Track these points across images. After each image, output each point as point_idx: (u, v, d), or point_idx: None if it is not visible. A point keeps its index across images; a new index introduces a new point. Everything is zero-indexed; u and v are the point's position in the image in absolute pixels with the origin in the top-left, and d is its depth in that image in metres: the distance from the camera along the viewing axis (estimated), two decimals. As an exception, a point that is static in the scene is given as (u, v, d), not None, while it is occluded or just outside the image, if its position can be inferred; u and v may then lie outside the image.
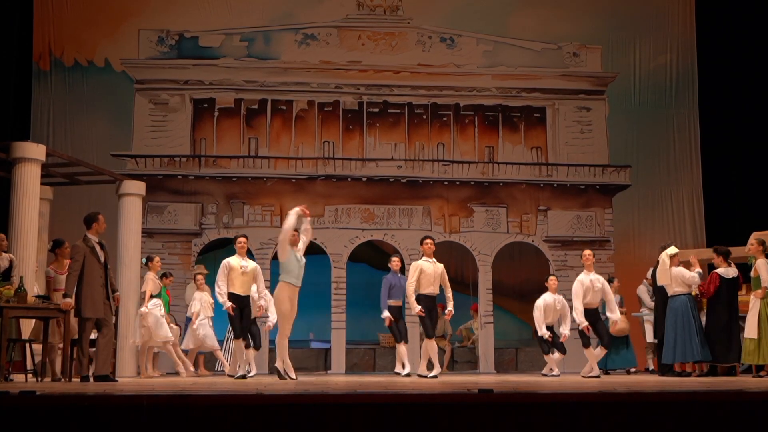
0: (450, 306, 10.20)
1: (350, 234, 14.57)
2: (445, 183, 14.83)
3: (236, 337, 9.74)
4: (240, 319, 9.66)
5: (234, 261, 9.70)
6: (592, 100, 15.27)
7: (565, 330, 10.89)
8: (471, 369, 14.09)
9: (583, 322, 10.21)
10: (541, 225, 14.82)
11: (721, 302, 9.99)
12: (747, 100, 14.03)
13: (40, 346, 8.90)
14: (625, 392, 5.17)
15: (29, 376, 8.97)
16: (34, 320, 9.20)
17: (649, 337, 12.04)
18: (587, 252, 10.66)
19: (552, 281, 11.30)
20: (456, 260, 14.56)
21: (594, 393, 5.06)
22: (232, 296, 9.61)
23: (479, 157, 14.98)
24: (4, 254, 9.02)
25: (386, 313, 10.36)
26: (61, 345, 9.13)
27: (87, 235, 8.45)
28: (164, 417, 4.40)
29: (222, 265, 9.73)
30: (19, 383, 7.99)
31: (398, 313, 10.55)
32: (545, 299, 11.06)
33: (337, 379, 9.94)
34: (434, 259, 10.12)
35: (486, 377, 10.27)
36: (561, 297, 11.22)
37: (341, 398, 4.83)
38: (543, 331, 10.89)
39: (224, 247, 14.75)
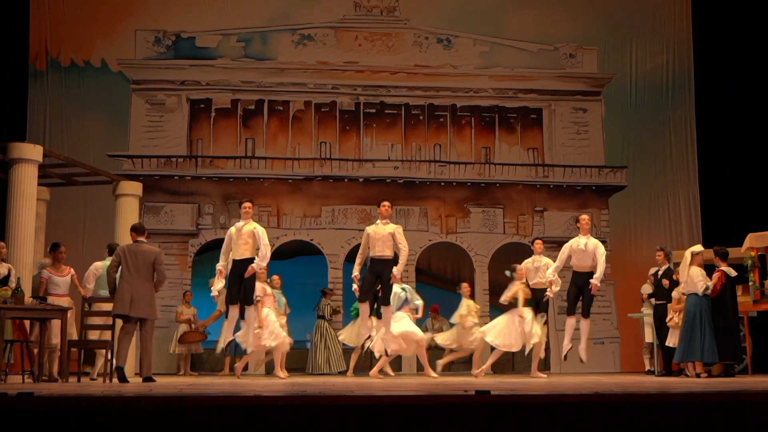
0: (397, 269, 9.55)
1: (347, 234, 14.58)
2: (442, 184, 14.85)
3: (229, 302, 9.44)
4: (238, 285, 9.30)
5: (235, 225, 9.47)
6: (588, 101, 15.30)
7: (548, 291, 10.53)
8: (467, 370, 14.10)
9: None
10: (538, 226, 14.84)
11: (727, 301, 10.02)
12: (743, 101, 14.05)
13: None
14: (621, 393, 5.19)
15: (26, 377, 8.97)
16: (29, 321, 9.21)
17: (648, 338, 12.04)
18: (584, 216, 10.35)
19: (537, 244, 11.25)
20: (452, 261, 14.59)
21: (591, 394, 5.07)
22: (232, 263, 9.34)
23: (476, 158, 15.00)
24: (3, 263, 9.02)
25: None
26: (59, 346, 9.13)
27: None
28: (162, 418, 4.41)
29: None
30: (16, 384, 7.99)
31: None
32: (526, 262, 11.11)
33: (334, 379, 9.94)
34: (387, 221, 9.59)
35: (482, 378, 10.27)
36: (545, 258, 11.09)
37: (338, 399, 4.84)
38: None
39: (221, 247, 14.75)
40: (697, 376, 9.92)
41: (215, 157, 14.70)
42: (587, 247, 9.89)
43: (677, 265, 10.66)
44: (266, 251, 9.36)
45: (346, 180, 14.76)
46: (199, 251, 14.44)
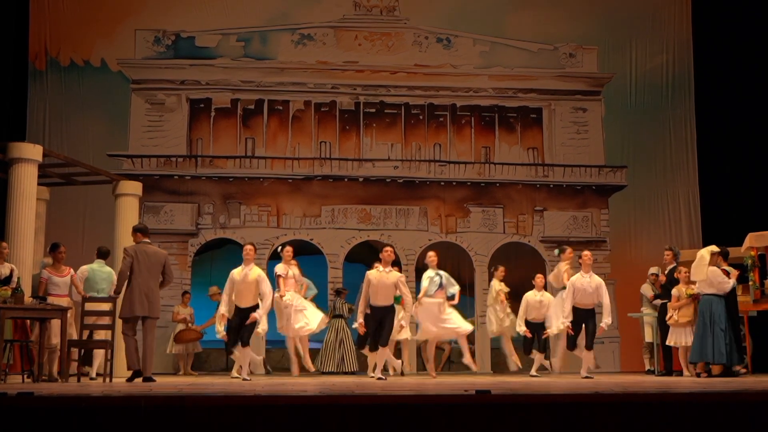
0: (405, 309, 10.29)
1: (347, 234, 14.58)
2: (442, 183, 14.85)
3: (232, 346, 9.73)
4: (237, 329, 9.47)
5: (237, 271, 9.55)
6: (588, 101, 15.30)
7: (550, 328, 10.99)
8: (468, 369, 14.08)
9: (566, 323, 10.22)
10: (538, 225, 14.84)
11: (733, 302, 10.03)
12: (743, 101, 14.04)
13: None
14: (621, 393, 5.19)
15: (25, 376, 8.96)
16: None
17: (648, 337, 12.03)
18: (586, 253, 10.56)
19: (538, 279, 11.37)
20: (452, 261, 14.56)
21: (590, 394, 5.07)
22: (235, 309, 9.52)
23: (476, 158, 14.99)
24: (6, 264, 9.02)
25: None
26: (58, 346, 9.12)
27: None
28: (162, 418, 4.41)
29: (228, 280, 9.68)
30: (16, 384, 7.99)
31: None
32: (528, 296, 11.27)
33: (334, 379, 9.94)
34: (390, 269, 9.91)
35: (483, 378, 10.27)
36: (547, 294, 11.28)
37: (338, 399, 4.84)
38: (521, 327, 11.10)
39: (221, 247, 14.78)
40: (697, 375, 9.93)
41: (215, 156, 14.69)
42: (591, 287, 10.22)
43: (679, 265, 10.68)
44: (268, 302, 9.69)
45: (345, 180, 14.76)
46: (199, 251, 14.43)
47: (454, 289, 10.88)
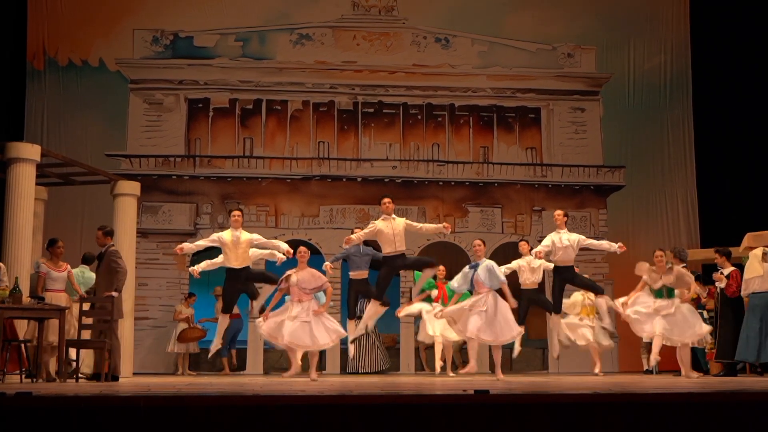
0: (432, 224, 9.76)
1: (345, 234, 14.47)
2: (440, 183, 14.85)
3: (224, 311, 9.37)
4: (236, 294, 9.25)
5: (226, 234, 9.20)
6: (586, 101, 15.30)
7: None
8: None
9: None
10: (536, 225, 14.85)
11: (741, 301, 10.02)
12: (741, 101, 14.06)
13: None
14: (620, 393, 5.19)
15: (23, 376, 8.95)
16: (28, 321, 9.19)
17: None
18: (558, 211, 10.20)
19: (522, 245, 11.06)
20: (450, 261, 14.55)
21: (590, 394, 5.07)
22: (228, 270, 9.20)
23: (474, 158, 14.99)
24: None
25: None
26: (56, 345, 9.11)
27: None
28: (161, 418, 4.40)
29: (214, 234, 9.40)
30: (14, 384, 7.98)
31: (359, 287, 9.86)
32: (519, 262, 10.88)
33: (333, 379, 9.94)
34: (393, 216, 9.34)
35: (481, 378, 10.26)
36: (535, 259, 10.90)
37: (337, 399, 4.84)
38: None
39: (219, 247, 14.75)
40: (756, 371, 9.91)
41: (213, 156, 14.68)
42: (569, 244, 9.78)
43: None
44: (275, 242, 9.45)
45: (344, 179, 14.76)
46: (197, 251, 14.38)
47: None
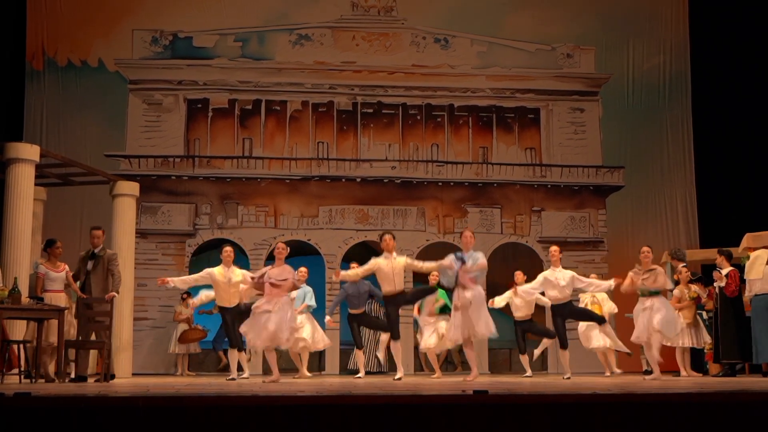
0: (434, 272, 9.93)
1: (344, 234, 14.58)
2: (440, 184, 14.85)
3: (231, 346, 9.49)
4: (233, 326, 9.30)
5: (218, 273, 9.31)
6: (585, 101, 15.31)
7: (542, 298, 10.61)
8: (466, 370, 14.08)
9: (528, 291, 10.08)
10: (535, 226, 14.85)
11: (740, 301, 10.00)
12: (740, 101, 14.06)
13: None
14: (619, 393, 5.18)
15: (21, 377, 8.93)
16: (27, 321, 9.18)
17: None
18: (553, 248, 10.20)
19: (518, 275, 11.10)
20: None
21: (589, 394, 5.06)
22: (220, 309, 9.42)
23: (473, 158, 14.99)
24: None
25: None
26: (55, 345, 9.09)
27: None
28: (160, 418, 4.40)
29: (205, 270, 9.49)
30: (13, 384, 7.96)
31: (360, 319, 10.39)
32: (512, 297, 10.93)
33: (332, 380, 9.93)
34: (394, 254, 9.27)
35: (480, 378, 10.25)
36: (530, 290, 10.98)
37: (336, 399, 4.83)
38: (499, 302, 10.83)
39: (218, 247, 14.72)
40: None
41: (212, 157, 14.68)
42: (566, 283, 9.84)
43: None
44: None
45: (343, 180, 14.75)
46: (196, 251, 14.42)
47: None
